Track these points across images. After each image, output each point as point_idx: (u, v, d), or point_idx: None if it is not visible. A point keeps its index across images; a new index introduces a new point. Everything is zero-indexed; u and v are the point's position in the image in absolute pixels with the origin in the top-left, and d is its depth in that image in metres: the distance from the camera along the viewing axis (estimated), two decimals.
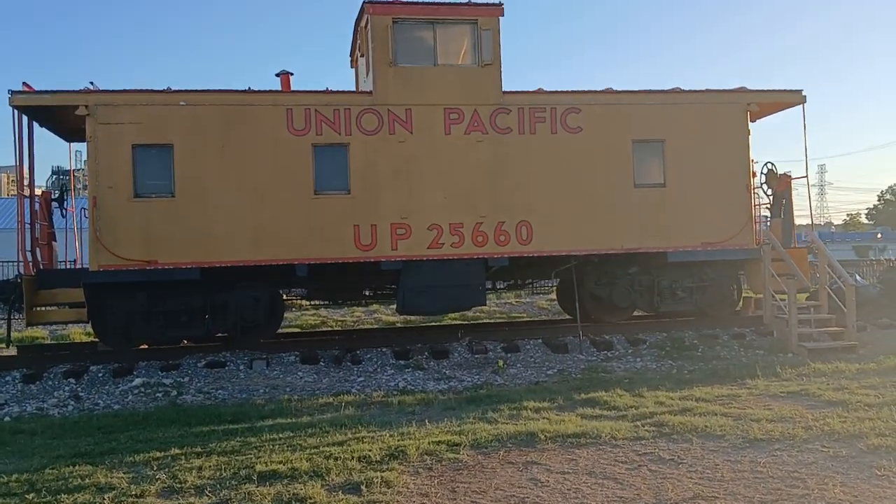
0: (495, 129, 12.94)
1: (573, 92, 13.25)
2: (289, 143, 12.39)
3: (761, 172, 14.50)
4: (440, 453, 7.06)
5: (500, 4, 12.98)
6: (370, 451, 7.11)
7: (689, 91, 13.64)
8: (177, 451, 7.59)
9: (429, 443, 7.39)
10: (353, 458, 6.93)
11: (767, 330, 13.46)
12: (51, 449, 7.94)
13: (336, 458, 6.89)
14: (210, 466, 6.84)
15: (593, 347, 12.92)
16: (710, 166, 13.56)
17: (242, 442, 7.89)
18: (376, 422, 8.59)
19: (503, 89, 13.00)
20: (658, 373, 11.45)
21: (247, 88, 12.50)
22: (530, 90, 13.22)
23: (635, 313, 14.57)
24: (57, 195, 13.49)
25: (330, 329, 16.52)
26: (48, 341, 16.76)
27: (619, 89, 13.47)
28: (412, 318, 15.65)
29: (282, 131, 12.38)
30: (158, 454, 7.48)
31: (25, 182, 12.68)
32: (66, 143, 14.27)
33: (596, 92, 13.38)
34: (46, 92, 11.85)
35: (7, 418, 9.78)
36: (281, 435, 8.10)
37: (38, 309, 12.14)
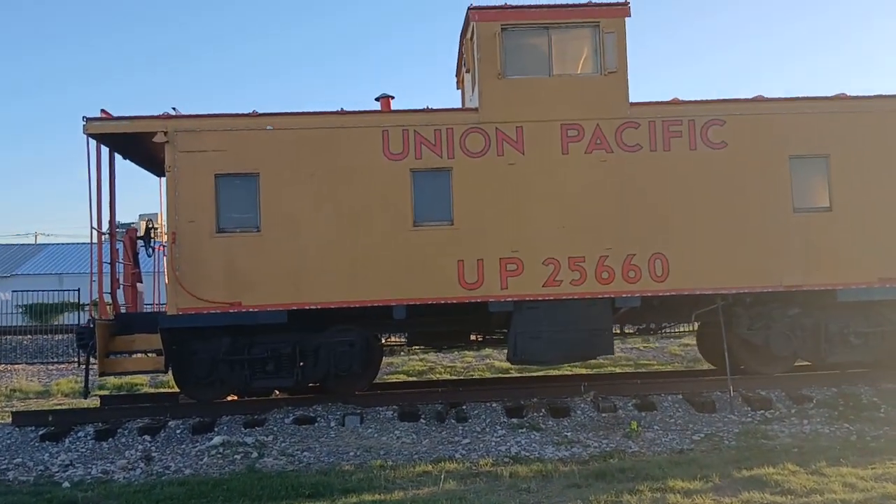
0: (622, 146, 11.10)
1: (715, 101, 11.26)
2: (385, 168, 10.98)
3: None
4: None
5: (626, 3, 11.23)
6: None
7: (858, 97, 11.40)
8: None
9: None
10: None
11: None
12: None
13: None
14: None
15: (747, 406, 10.72)
16: (884, 185, 11.21)
17: None
18: (482, 502, 6.86)
19: (630, 101, 11.17)
20: (834, 440, 9.23)
21: (339, 109, 11.20)
22: (663, 101, 11.33)
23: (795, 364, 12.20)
24: (143, 233, 12.53)
25: (434, 379, 14.89)
26: (147, 388, 15.96)
27: (772, 97, 11.38)
28: (528, 367, 13.82)
29: (377, 156, 10.98)
30: None
31: (103, 218, 11.71)
32: (158, 179, 13.41)
33: (743, 100, 11.34)
34: (124, 118, 10.93)
35: (66, 484, 8.63)
36: None
37: (113, 357, 11.08)
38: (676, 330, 18.51)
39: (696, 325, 12.83)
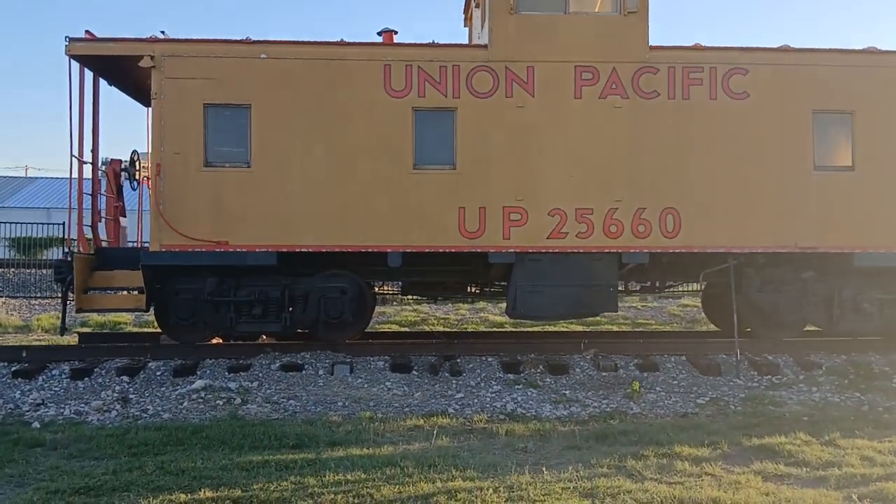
0: (638, 92, 10.45)
1: (739, 49, 10.60)
2: (386, 105, 10.32)
3: None
4: None
5: None
6: None
7: (885, 52, 10.74)
8: (208, 493, 5.64)
9: None
10: None
11: None
12: (55, 477, 6.15)
13: None
14: None
15: (753, 370, 10.28)
16: None
17: (297, 484, 5.89)
18: (476, 463, 6.43)
19: (650, 44, 10.49)
20: (845, 409, 8.81)
21: (339, 40, 10.51)
22: (684, 45, 10.65)
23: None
24: (127, 164, 11.88)
25: (427, 330, 14.41)
26: (131, 328, 15.48)
27: (798, 47, 10.71)
28: (525, 322, 13.33)
29: (378, 92, 10.32)
30: (182, 497, 5.55)
31: (86, 146, 11.03)
32: (146, 110, 12.71)
33: (768, 49, 10.67)
34: (109, 40, 10.23)
35: (36, 424, 8.15)
36: (349, 476, 6.05)
37: (92, 293, 10.53)
38: (676, 290, 18.06)
39: (703, 285, 12.30)
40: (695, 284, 13.47)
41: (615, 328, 15.43)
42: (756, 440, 7.22)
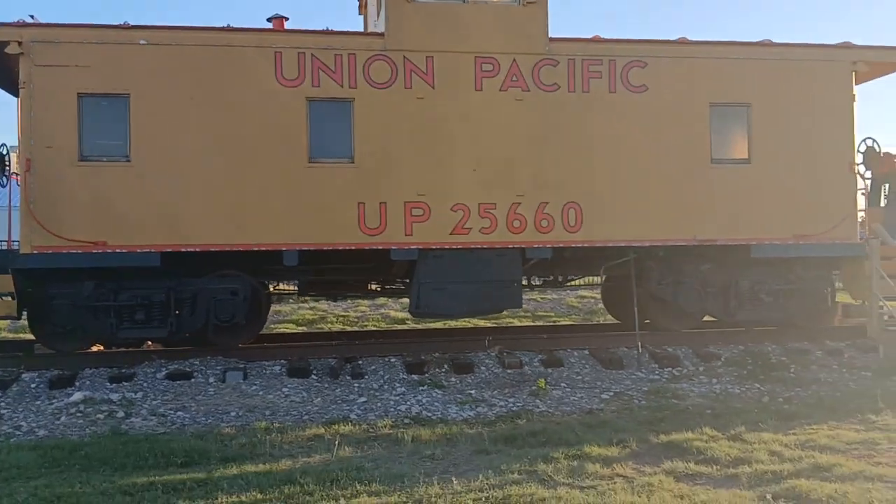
0: (539, 85, 10.28)
1: (638, 41, 10.59)
2: (277, 95, 9.78)
3: (857, 150, 11.77)
4: None
5: None
6: None
7: (783, 45, 10.94)
8: None
9: None
10: None
11: (870, 345, 10.80)
12: None
13: None
14: None
15: (654, 363, 10.30)
16: (807, 139, 10.87)
17: None
18: (381, 474, 6.06)
19: (550, 35, 10.33)
20: (746, 401, 8.87)
21: (226, 26, 9.89)
22: (584, 37, 10.56)
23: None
24: None
25: (326, 330, 13.93)
26: (6, 334, 14.32)
27: (695, 40, 10.79)
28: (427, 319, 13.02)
29: (269, 81, 9.76)
30: None
31: None
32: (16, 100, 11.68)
33: (666, 42, 10.72)
34: None
35: None
36: (244, 497, 5.57)
37: None
38: (575, 282, 18.18)
39: (603, 278, 12.30)
40: (592, 277, 13.52)
41: (517, 322, 15.36)
42: (664, 437, 7.12)
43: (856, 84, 11.20)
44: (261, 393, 9.04)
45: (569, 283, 12.57)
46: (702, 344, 10.89)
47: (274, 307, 15.19)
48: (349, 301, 17.10)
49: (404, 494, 5.54)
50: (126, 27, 9.58)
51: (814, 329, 11.39)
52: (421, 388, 9.28)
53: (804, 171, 10.85)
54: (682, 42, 10.77)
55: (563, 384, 9.50)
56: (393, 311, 16.28)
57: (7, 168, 11.03)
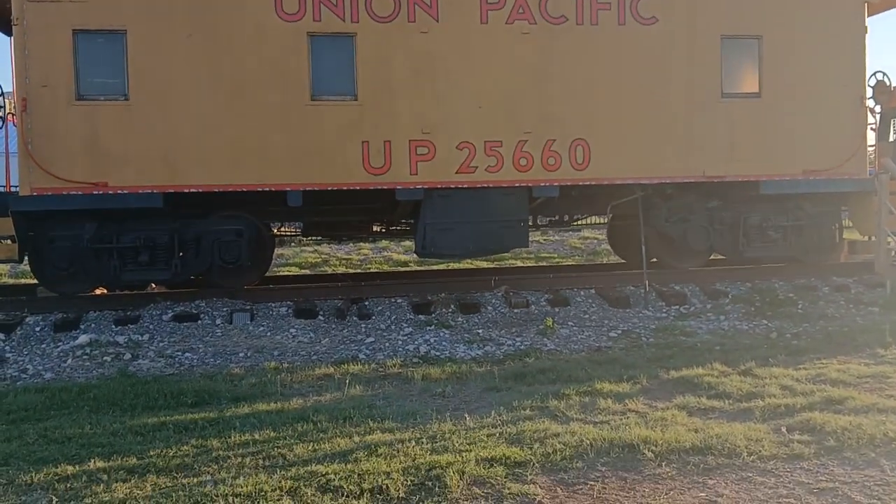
0: (546, 17, 10.00)
1: None
2: (278, 30, 9.52)
3: (868, 84, 11.54)
4: (498, 484, 4.50)
5: None
6: (387, 479, 4.51)
7: None
8: (99, 463, 5.02)
9: (476, 460, 4.82)
10: (359, 490, 4.38)
11: (877, 280, 10.74)
12: None
13: (334, 492, 4.34)
14: (139, 499, 4.31)
15: (661, 301, 10.25)
16: (817, 72, 10.65)
17: (199, 448, 5.33)
18: (393, 412, 6.03)
19: None
20: (755, 337, 8.85)
21: None
22: None
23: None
24: None
25: (331, 272, 13.86)
26: (6, 279, 14.26)
27: None
28: (431, 260, 12.94)
29: (268, 15, 9.48)
30: (69, 469, 4.91)
31: None
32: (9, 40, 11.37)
33: None
34: None
35: None
36: (256, 436, 5.53)
37: None
38: (578, 222, 18.09)
39: (609, 217, 12.18)
40: (598, 216, 13.41)
41: (520, 263, 15.29)
42: (674, 373, 7.09)
43: (868, 16, 10.92)
44: (268, 334, 9.00)
45: (574, 223, 12.45)
46: (709, 281, 10.83)
47: (276, 250, 15.11)
48: (351, 244, 17.03)
49: (417, 431, 5.51)
50: None
51: (821, 265, 11.32)
52: (428, 328, 9.24)
53: (814, 106, 10.66)
54: None
55: (570, 323, 9.46)
56: (395, 255, 16.22)
57: (2, 110, 10.81)
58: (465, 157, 10.01)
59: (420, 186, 9.97)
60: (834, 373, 6.97)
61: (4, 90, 10.75)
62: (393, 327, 9.27)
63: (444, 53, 9.84)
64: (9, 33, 10.33)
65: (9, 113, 10.22)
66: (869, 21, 10.96)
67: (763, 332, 9.11)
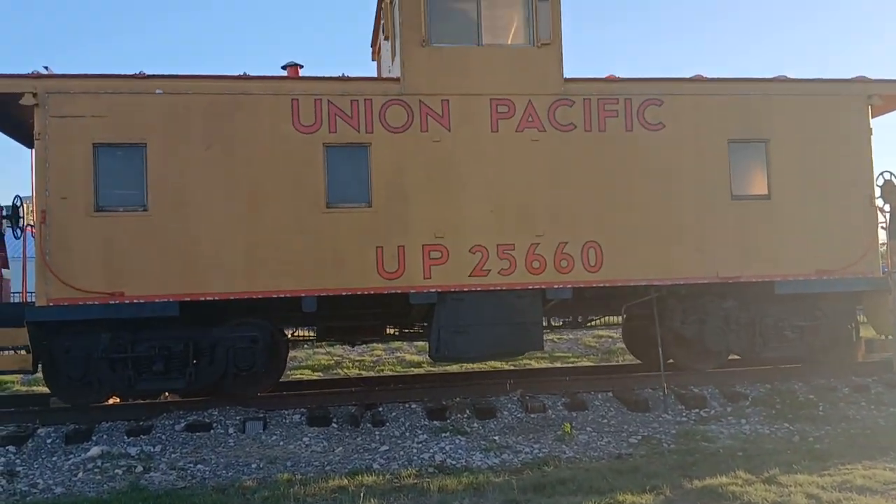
0: (555, 125, 10.24)
1: (653, 80, 10.55)
2: (295, 142, 9.75)
3: (875, 184, 11.64)
4: None
5: None
6: None
7: (798, 80, 10.90)
8: None
9: None
10: None
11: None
12: None
13: None
14: None
15: (681, 404, 10.10)
16: (825, 173, 10.79)
17: None
18: None
19: (565, 76, 10.32)
20: (777, 441, 8.68)
21: (242, 74, 9.90)
22: (598, 77, 10.54)
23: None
24: (10, 212, 10.86)
25: (343, 375, 13.75)
26: (19, 387, 14.17)
27: (711, 77, 10.76)
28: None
29: (286, 127, 9.74)
30: None
31: None
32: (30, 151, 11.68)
33: (682, 80, 10.66)
34: None
35: None
36: None
37: None
38: (592, 321, 17.99)
39: (623, 317, 12.10)
40: (613, 317, 13.33)
41: (535, 363, 15.15)
42: (697, 482, 6.94)
43: (871, 117, 11.13)
44: (281, 443, 8.87)
45: (589, 324, 12.38)
46: (728, 383, 10.70)
47: (290, 353, 15.03)
48: (364, 345, 16.93)
49: None
50: (142, 77, 9.59)
51: (839, 365, 11.19)
52: (443, 434, 9.09)
53: (824, 206, 10.74)
54: (698, 79, 10.74)
55: (588, 428, 9.31)
56: (408, 355, 16.11)
57: (21, 220, 11.02)
58: (479, 260, 10.07)
59: (434, 290, 9.99)
60: (860, 479, 6.82)
61: (23, 198, 11.01)
62: (407, 434, 9.13)
63: (456, 161, 10.03)
64: (31, 146, 10.64)
65: (28, 224, 10.41)
66: (873, 122, 11.15)
67: (785, 435, 8.93)
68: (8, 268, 10.99)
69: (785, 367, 11.35)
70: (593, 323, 15.64)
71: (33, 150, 9.67)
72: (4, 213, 10.86)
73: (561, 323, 12.00)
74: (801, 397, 10.18)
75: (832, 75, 11.25)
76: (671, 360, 11.25)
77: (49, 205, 9.30)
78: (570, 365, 14.56)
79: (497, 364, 14.12)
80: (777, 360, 11.24)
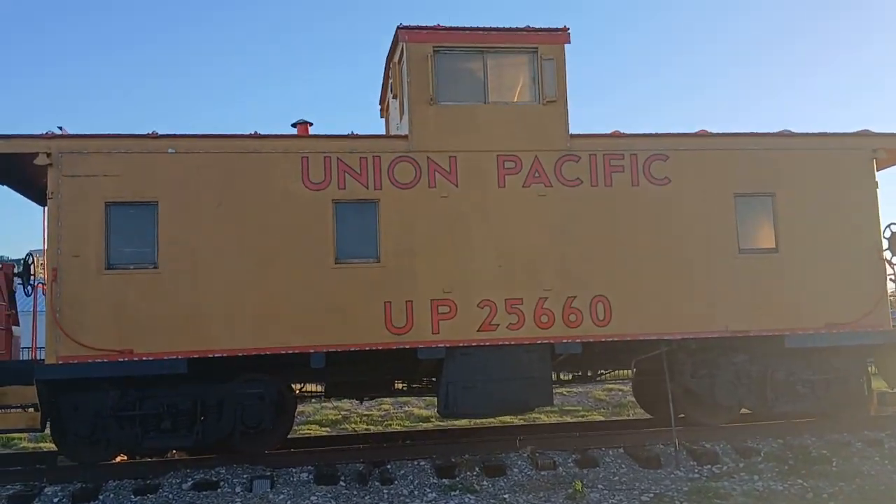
0: (561, 180, 10.34)
1: (658, 135, 10.66)
2: (304, 199, 9.86)
3: (883, 237, 11.65)
4: None
5: (565, 29, 10.55)
6: None
7: (802, 134, 10.99)
8: None
9: None
10: None
11: None
12: None
13: None
14: None
15: (693, 460, 9.96)
16: (832, 227, 10.81)
17: None
18: None
19: (570, 132, 10.45)
20: (790, 498, 8.56)
21: (253, 133, 10.06)
22: (604, 133, 10.66)
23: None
24: (21, 269, 10.95)
25: (350, 430, 13.65)
26: (26, 443, 14.09)
27: (716, 132, 10.87)
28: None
29: (295, 185, 9.86)
30: None
31: None
32: (41, 209, 11.81)
33: (686, 135, 10.78)
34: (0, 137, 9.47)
35: None
36: None
37: None
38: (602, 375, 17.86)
39: (633, 371, 12.03)
40: (623, 371, 13.23)
41: (545, 418, 15.02)
42: None
43: (877, 170, 11.20)
44: (289, 502, 8.76)
45: (598, 378, 12.31)
46: (739, 438, 10.57)
47: (297, 407, 14.94)
48: (372, 399, 16.82)
49: None
50: (154, 136, 9.74)
51: (852, 419, 11.07)
52: (453, 492, 8.98)
53: (832, 259, 10.74)
54: (703, 134, 10.85)
55: (600, 486, 9.18)
56: (417, 409, 16.00)
57: (32, 277, 11.10)
58: (487, 314, 10.07)
59: (442, 345, 9.98)
60: None
61: (35, 255, 11.10)
62: (416, 493, 9.02)
63: (464, 216, 10.11)
64: (43, 204, 10.77)
65: (39, 282, 10.48)
66: (879, 175, 11.23)
67: (798, 492, 8.79)
68: (18, 324, 11.05)
69: (797, 421, 11.23)
70: (603, 376, 15.57)
71: (46, 208, 9.80)
72: (16, 270, 10.96)
73: (570, 377, 11.91)
74: (813, 452, 10.05)
75: (837, 129, 11.23)
76: (682, 415, 11.16)
77: (60, 263, 9.37)
78: (581, 419, 14.46)
79: (507, 419, 14.01)
80: (789, 414, 11.13)
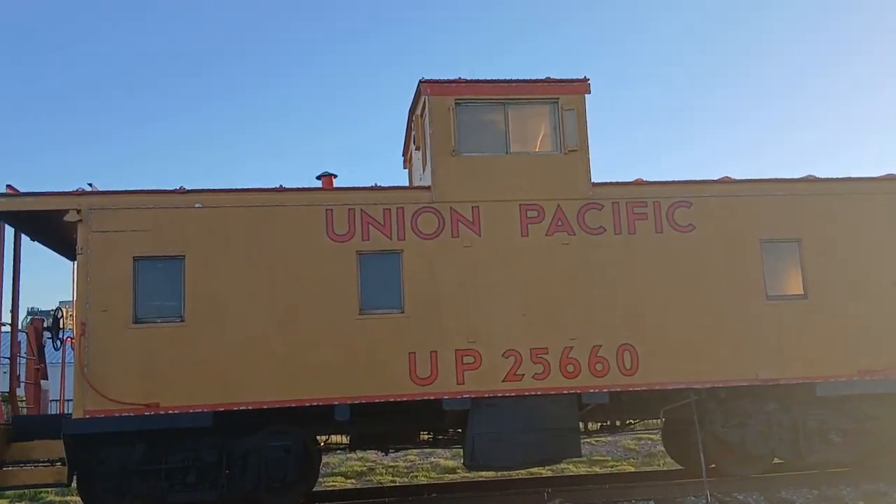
0: (585, 228, 10.34)
1: (681, 182, 10.66)
2: (328, 250, 9.94)
3: None
4: None
5: (586, 80, 10.65)
6: None
7: (828, 179, 10.94)
8: None
9: None
10: None
11: None
12: None
13: None
14: None
15: None
16: (861, 271, 10.67)
17: None
18: None
19: (593, 180, 10.49)
20: None
21: (279, 186, 10.20)
22: (627, 181, 10.68)
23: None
24: (50, 323, 11.11)
25: (377, 484, 13.50)
26: (54, 496, 14.09)
27: (740, 178, 10.85)
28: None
29: (320, 237, 9.95)
30: None
31: (5, 307, 10.27)
32: (71, 263, 12.01)
33: (710, 182, 10.77)
34: (31, 195, 9.70)
35: None
36: None
37: (8, 469, 9.49)
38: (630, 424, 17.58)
39: (662, 421, 11.84)
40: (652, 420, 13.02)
41: (573, 468, 14.77)
42: None
43: None
44: None
45: (627, 428, 12.12)
46: (773, 489, 10.35)
47: (322, 458, 14.83)
48: (398, 451, 16.64)
49: None
50: (182, 192, 9.91)
51: (889, 469, 10.77)
52: None
53: (862, 304, 10.57)
54: (727, 181, 10.82)
55: None
56: (443, 460, 15.80)
57: (61, 331, 11.24)
58: (512, 364, 10.01)
59: (467, 396, 9.91)
60: None
61: (64, 307, 11.25)
62: None
63: (487, 265, 10.12)
64: (73, 258, 10.95)
65: (68, 336, 10.60)
66: None
67: None
68: (47, 378, 11.15)
69: (832, 470, 10.96)
70: (633, 425, 15.33)
71: (75, 263, 9.96)
72: (45, 324, 11.11)
73: (598, 426, 11.73)
74: (849, 503, 9.78)
75: (860, 173, 11.14)
76: (713, 465, 10.93)
77: (89, 317, 9.48)
78: (610, 469, 14.20)
79: (534, 469, 13.78)
80: (823, 463, 10.85)
